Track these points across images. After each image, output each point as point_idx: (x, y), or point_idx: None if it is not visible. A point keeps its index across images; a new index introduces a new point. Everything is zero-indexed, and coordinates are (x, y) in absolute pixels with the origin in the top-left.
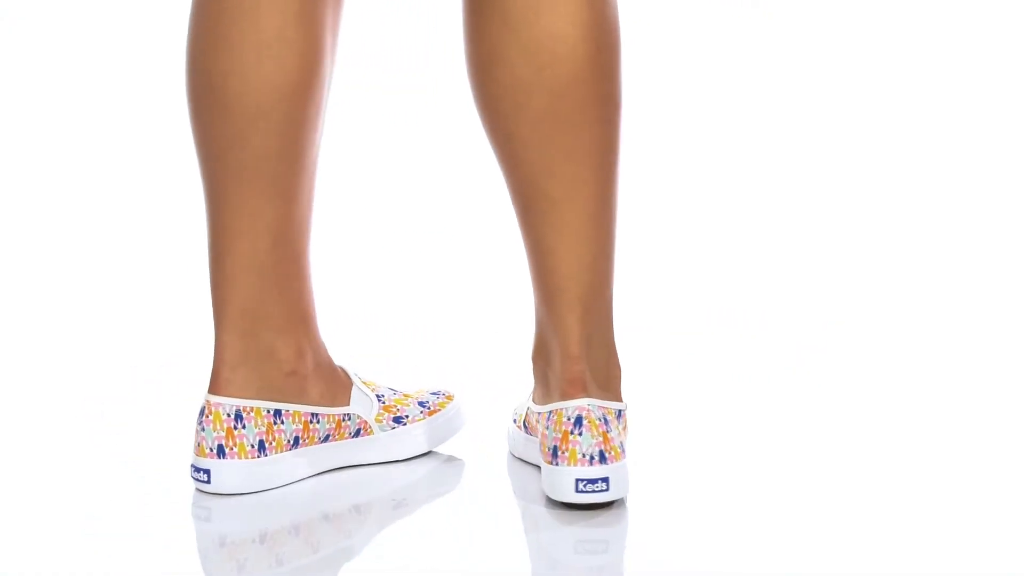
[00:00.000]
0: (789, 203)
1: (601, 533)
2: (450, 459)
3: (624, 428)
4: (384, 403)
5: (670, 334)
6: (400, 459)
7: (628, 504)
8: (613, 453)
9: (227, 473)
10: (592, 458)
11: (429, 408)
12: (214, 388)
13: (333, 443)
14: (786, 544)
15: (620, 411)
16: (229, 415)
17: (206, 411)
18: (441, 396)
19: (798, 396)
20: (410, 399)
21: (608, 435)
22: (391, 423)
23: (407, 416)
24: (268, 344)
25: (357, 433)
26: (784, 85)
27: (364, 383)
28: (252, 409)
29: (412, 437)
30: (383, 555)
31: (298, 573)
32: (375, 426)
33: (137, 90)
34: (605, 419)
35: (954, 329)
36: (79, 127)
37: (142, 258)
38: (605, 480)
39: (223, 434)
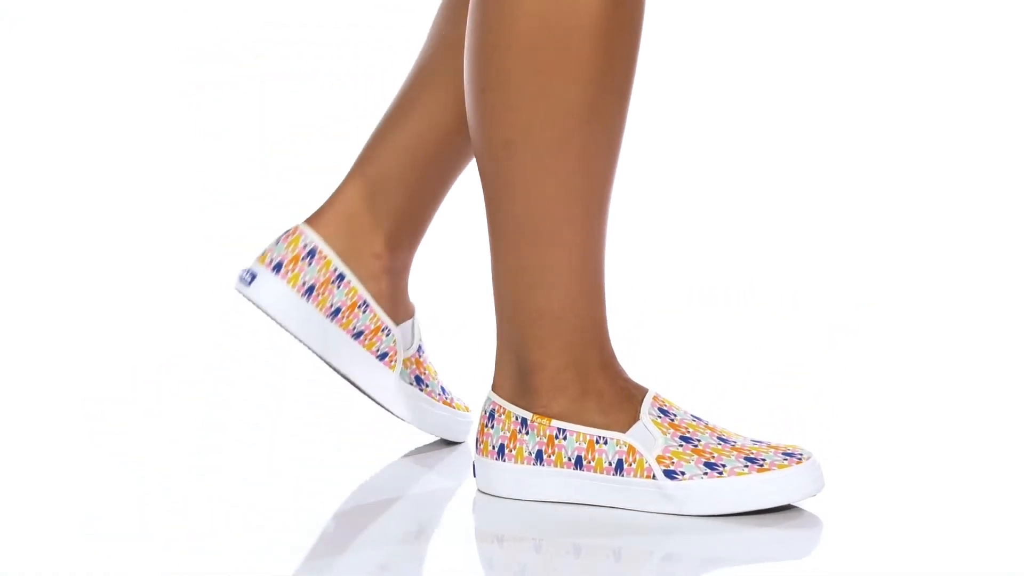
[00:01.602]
0: (819, 185)
1: (606, 539)
2: (453, 457)
3: (540, 437)
4: (419, 357)
5: (700, 318)
6: (383, 407)
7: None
8: (482, 447)
9: (270, 287)
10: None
11: (447, 398)
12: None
13: (358, 343)
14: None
15: (521, 418)
16: (306, 246)
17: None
18: (462, 402)
19: (829, 379)
20: (437, 379)
21: (484, 427)
22: (412, 379)
23: (428, 387)
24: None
25: (383, 356)
26: (805, 73)
27: (421, 338)
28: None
29: (416, 406)
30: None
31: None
32: (399, 366)
33: (137, 90)
34: (492, 413)
35: (987, 313)
36: (79, 127)
37: (142, 258)
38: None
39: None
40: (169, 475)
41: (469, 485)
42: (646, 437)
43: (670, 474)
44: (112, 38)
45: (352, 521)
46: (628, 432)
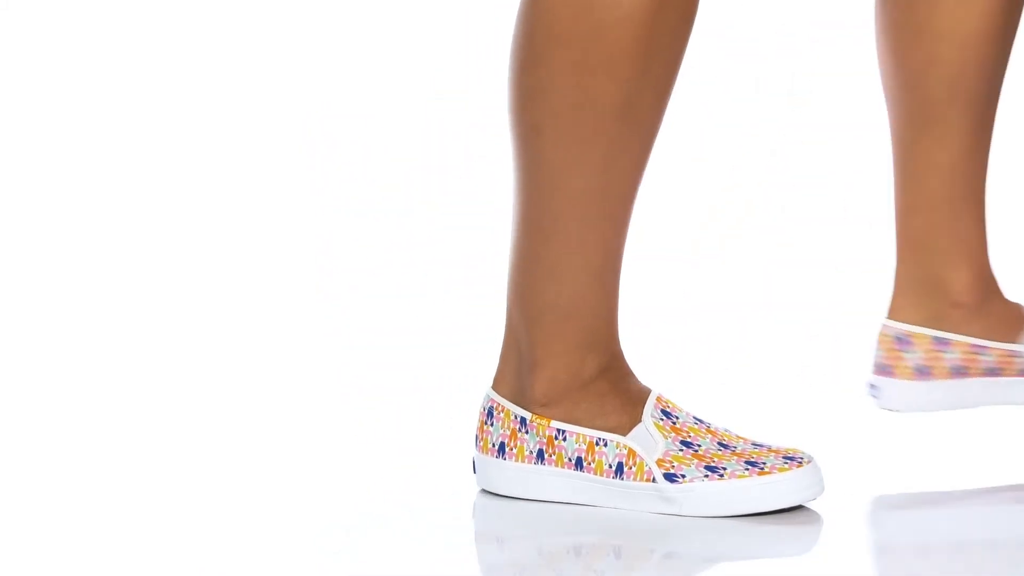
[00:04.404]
0: (819, 186)
1: (607, 538)
2: None
3: (540, 437)
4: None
5: (703, 320)
6: None
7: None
8: (482, 444)
9: (893, 391)
10: None
11: None
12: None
13: (1003, 378)
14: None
15: (520, 417)
16: (897, 338)
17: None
18: None
19: (829, 381)
20: None
21: (484, 424)
22: None
23: None
24: (936, 275)
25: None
26: (811, 75)
27: None
28: (914, 334)
29: None
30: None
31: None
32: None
33: (137, 90)
34: (490, 411)
35: None
36: (79, 127)
37: (145, 258)
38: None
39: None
40: (167, 477)
41: (469, 485)
42: (647, 440)
43: (670, 477)
44: (113, 37)
45: (351, 522)
46: (629, 435)
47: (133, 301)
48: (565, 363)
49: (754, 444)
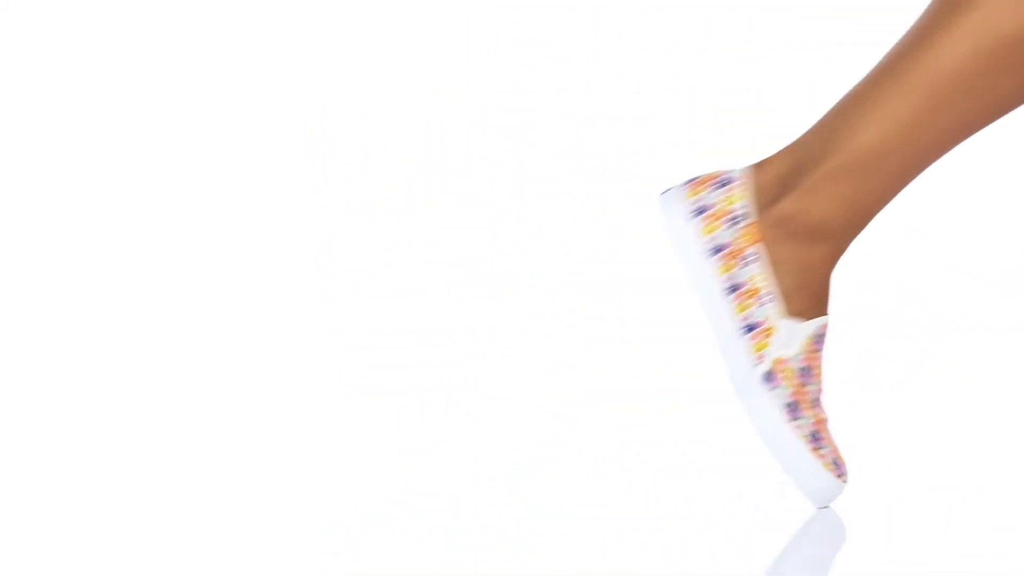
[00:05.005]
0: None
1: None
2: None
3: (742, 239)
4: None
5: None
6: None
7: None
8: (690, 192)
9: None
10: None
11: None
12: None
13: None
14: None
15: (744, 224)
16: None
17: None
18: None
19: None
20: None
21: (708, 184)
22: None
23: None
24: None
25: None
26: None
27: None
28: None
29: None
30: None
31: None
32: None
33: (137, 90)
34: (725, 182)
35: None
36: (80, 127)
37: (145, 258)
38: None
39: None
40: (168, 477)
41: (469, 485)
42: (790, 337)
43: (769, 376)
44: (113, 38)
45: (351, 522)
46: (785, 318)
47: (134, 301)
48: (822, 208)
49: (819, 434)
